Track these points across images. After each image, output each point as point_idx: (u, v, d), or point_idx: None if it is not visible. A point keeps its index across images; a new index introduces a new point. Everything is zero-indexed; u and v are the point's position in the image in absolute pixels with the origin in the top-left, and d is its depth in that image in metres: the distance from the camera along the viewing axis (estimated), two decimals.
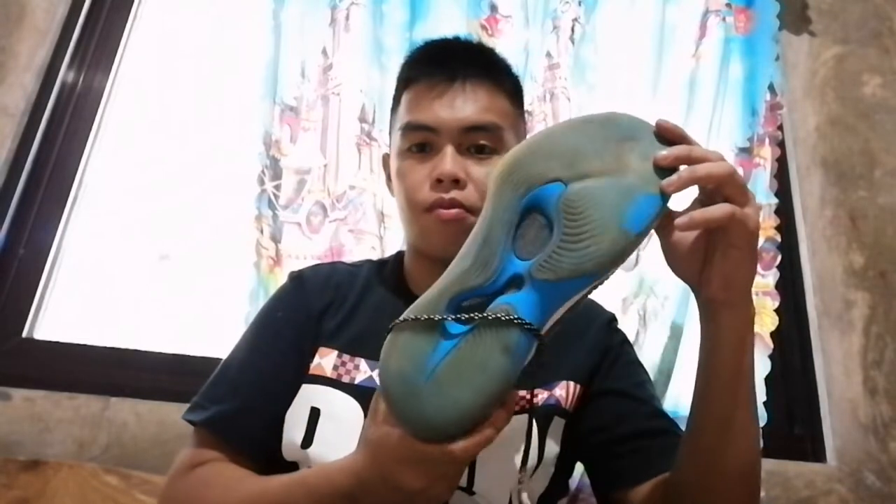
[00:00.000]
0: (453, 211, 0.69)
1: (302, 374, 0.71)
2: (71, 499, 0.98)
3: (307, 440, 0.66)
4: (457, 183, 0.69)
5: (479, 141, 0.72)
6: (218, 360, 0.75)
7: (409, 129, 0.73)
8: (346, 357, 0.70)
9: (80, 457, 1.06)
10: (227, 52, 1.45)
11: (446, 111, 0.71)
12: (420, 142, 0.73)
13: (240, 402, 0.69)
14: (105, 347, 1.19)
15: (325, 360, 0.71)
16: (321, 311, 0.74)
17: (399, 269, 0.81)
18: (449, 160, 0.69)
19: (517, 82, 0.81)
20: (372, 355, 0.69)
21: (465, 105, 0.72)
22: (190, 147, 1.39)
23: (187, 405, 0.71)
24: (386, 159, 0.82)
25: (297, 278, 0.79)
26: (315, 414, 0.68)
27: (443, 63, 0.75)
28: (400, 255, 0.84)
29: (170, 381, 1.13)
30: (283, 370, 0.71)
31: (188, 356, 1.19)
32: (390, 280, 0.79)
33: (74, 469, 1.01)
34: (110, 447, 1.08)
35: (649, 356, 1.14)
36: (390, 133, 0.82)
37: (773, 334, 1.17)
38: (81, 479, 1.00)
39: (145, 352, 1.19)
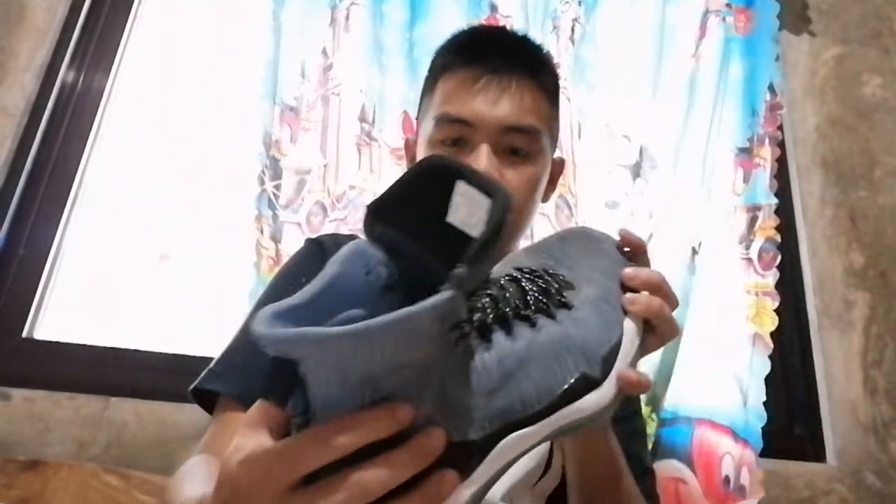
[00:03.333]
0: None
1: None
2: (71, 499, 0.98)
3: None
4: None
5: (515, 144, 0.69)
6: None
7: (444, 120, 0.70)
8: None
9: (80, 457, 1.06)
10: (227, 52, 1.45)
11: (487, 107, 0.68)
12: (455, 136, 0.69)
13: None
14: (105, 347, 1.19)
15: None
16: None
17: None
18: (484, 159, 0.66)
19: (557, 81, 0.78)
20: None
21: (507, 103, 0.68)
22: (190, 147, 1.38)
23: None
24: (409, 143, 0.79)
25: (317, 244, 0.76)
26: None
27: (487, 54, 0.71)
28: None
29: (170, 381, 1.13)
30: None
31: (188, 356, 1.18)
32: None
33: (74, 469, 1.01)
34: (110, 447, 1.08)
35: (649, 357, 1.13)
36: (418, 117, 0.79)
37: (772, 334, 1.17)
38: (81, 479, 1.00)
39: (145, 352, 1.19)
